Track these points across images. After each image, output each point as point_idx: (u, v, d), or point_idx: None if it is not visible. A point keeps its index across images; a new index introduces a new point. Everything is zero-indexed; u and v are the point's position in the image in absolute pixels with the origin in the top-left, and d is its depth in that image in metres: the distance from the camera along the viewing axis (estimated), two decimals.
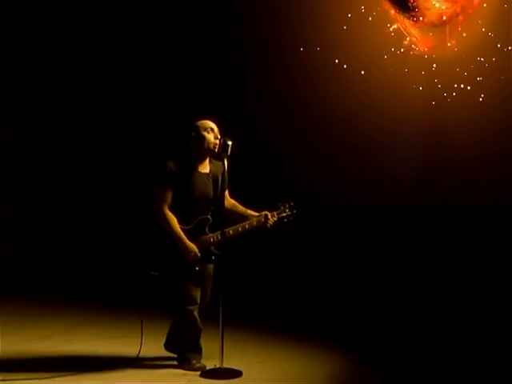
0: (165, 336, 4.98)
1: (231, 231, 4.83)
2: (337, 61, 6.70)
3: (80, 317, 6.54)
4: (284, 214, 5.01)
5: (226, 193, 4.98)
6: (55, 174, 8.93)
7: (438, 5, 6.01)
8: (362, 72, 6.54)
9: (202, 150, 4.79)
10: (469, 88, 6.18)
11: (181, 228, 4.71)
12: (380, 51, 6.51)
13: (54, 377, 4.56)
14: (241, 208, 5.04)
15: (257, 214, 4.96)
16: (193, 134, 4.77)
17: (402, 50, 6.42)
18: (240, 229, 4.88)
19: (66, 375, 4.60)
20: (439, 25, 6.06)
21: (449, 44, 6.13)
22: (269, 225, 4.93)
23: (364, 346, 5.58)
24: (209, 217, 4.85)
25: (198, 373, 4.71)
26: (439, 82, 6.31)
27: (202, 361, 4.85)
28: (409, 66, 6.44)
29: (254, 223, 4.92)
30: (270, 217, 4.94)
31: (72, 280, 8.05)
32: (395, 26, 6.38)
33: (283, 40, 7.00)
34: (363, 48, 6.53)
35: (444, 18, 6.11)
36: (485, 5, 6.02)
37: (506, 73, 5.97)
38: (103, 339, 5.65)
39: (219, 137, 4.79)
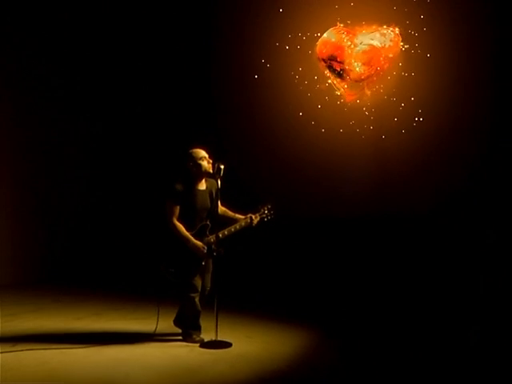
0: (171, 317, 6.30)
1: (226, 232, 6.13)
2: (291, 108, 8.32)
3: (106, 303, 7.90)
4: (264, 215, 6.31)
5: (219, 202, 6.26)
6: (93, 180, 10.05)
7: (358, 69, 7.74)
8: (314, 119, 8.24)
9: (199, 173, 6.10)
10: (395, 119, 7.76)
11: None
12: (318, 100, 8.13)
13: (86, 347, 5.87)
14: (231, 213, 6.34)
15: (243, 216, 6.26)
16: (191, 163, 6.07)
17: (340, 100, 8.08)
18: (233, 229, 6.18)
19: (96, 346, 5.91)
20: (359, 81, 7.80)
21: (367, 93, 7.75)
22: (254, 224, 6.24)
23: (326, 323, 7.04)
24: (208, 223, 6.15)
25: (198, 344, 6.02)
26: (364, 120, 7.89)
27: (200, 335, 6.15)
28: (340, 110, 8.07)
29: (243, 224, 6.22)
30: (254, 218, 6.24)
31: (100, 273, 9.46)
32: (329, 82, 8.01)
33: (251, 96, 8.64)
34: (309, 97, 8.18)
35: (362, 77, 7.82)
36: (394, 73, 7.68)
37: (415, 114, 7.62)
38: (126, 320, 7.00)
39: (211, 161, 6.09)
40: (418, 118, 7.61)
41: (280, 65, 8.40)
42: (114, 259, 9.53)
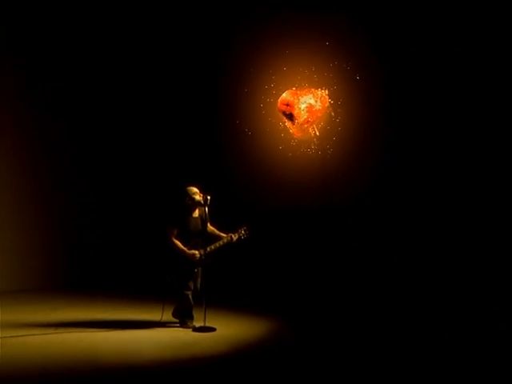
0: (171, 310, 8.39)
1: (212, 247, 8.23)
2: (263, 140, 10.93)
3: (122, 300, 10.01)
4: (241, 234, 8.40)
5: (208, 224, 8.34)
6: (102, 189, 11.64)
7: (305, 116, 10.49)
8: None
9: (193, 205, 8.20)
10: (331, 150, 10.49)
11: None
12: (276, 138, 10.83)
13: (108, 331, 8.01)
14: (217, 232, 8.40)
15: (225, 235, 8.35)
16: (187, 198, 8.17)
17: (292, 136, 10.76)
18: (217, 245, 8.28)
19: (115, 330, 8.05)
20: (305, 124, 10.52)
21: (311, 132, 10.55)
22: (233, 241, 8.34)
23: (286, 314, 9.19)
24: (199, 240, 8.22)
25: (191, 329, 8.12)
26: (307, 146, 10.66)
27: (193, 323, 8.23)
28: (291, 142, 10.76)
29: (225, 241, 8.32)
30: (233, 236, 8.36)
31: (114, 277, 11.43)
32: (283, 124, 10.71)
33: (233, 135, 11.16)
34: (273, 134, 10.85)
35: (305, 122, 10.58)
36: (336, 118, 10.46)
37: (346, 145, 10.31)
38: (138, 313, 9.06)
39: (201, 194, 8.22)
40: (340, 142, 10.45)
41: (256, 112, 10.93)
42: (125, 265, 11.46)
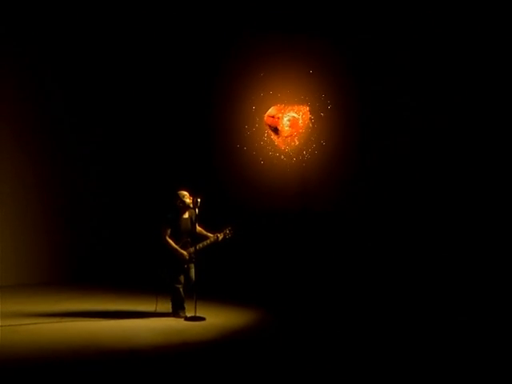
0: (168, 302, 9.18)
1: (201, 245, 9.11)
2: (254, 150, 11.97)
3: (120, 293, 10.89)
4: (226, 234, 9.28)
5: (197, 225, 9.18)
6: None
7: (287, 129, 11.57)
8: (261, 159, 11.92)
9: (184, 207, 9.08)
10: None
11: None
12: (263, 149, 11.89)
13: (109, 319, 8.88)
14: (204, 232, 9.25)
15: (212, 235, 9.22)
16: (178, 200, 9.07)
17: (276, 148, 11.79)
18: (205, 243, 9.15)
19: (115, 319, 8.90)
20: (288, 137, 11.59)
21: (293, 144, 11.59)
22: (219, 240, 9.22)
23: (268, 305, 10.11)
24: (189, 239, 9.12)
25: (183, 318, 8.97)
26: (290, 156, 11.68)
27: (185, 313, 9.07)
28: (277, 152, 11.79)
29: (212, 240, 9.19)
30: (219, 236, 9.24)
31: (115, 272, 12.29)
32: (269, 137, 11.79)
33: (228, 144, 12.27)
34: (258, 147, 11.92)
35: (289, 135, 11.64)
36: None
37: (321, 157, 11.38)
38: (135, 304, 9.92)
39: (191, 198, 9.06)
40: (319, 150, 11.48)
41: (248, 126, 12.12)
42: (122, 261, 12.27)
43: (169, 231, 9.04)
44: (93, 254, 12.47)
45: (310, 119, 11.53)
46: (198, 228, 9.23)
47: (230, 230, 9.35)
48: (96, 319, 9.01)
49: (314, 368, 6.86)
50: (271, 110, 11.74)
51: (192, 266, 9.23)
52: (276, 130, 11.67)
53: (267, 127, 11.76)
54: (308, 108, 11.53)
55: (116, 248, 12.42)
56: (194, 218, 9.16)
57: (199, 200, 9.06)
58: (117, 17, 12.31)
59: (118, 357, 7.26)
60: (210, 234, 9.29)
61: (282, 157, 11.65)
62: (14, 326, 8.39)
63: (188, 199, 9.12)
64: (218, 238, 9.25)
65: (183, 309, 9.18)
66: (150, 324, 8.83)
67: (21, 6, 11.56)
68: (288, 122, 11.62)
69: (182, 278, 9.13)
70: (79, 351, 7.42)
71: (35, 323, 8.63)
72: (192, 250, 9.09)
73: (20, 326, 8.41)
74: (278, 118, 11.65)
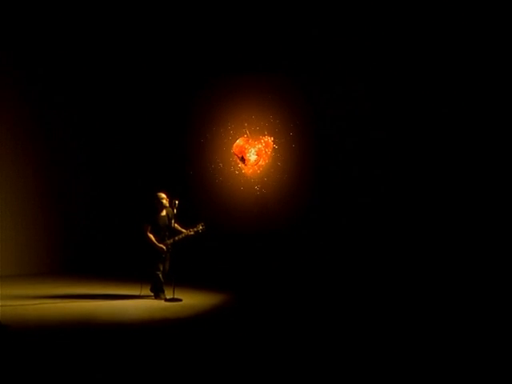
0: (148, 287, 10.80)
1: (177, 238, 10.73)
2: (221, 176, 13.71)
3: (110, 280, 12.45)
4: (199, 229, 10.87)
5: (173, 222, 10.79)
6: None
7: (253, 157, 13.26)
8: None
9: (161, 207, 10.71)
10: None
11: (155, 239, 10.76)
12: (232, 176, 13.64)
13: (100, 300, 10.46)
14: (180, 228, 10.86)
15: (186, 230, 10.80)
16: (156, 201, 10.67)
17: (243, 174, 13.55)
18: (181, 236, 10.76)
19: (106, 300, 10.49)
20: (255, 164, 13.29)
21: (257, 170, 13.30)
22: (192, 234, 10.86)
23: (237, 289, 11.77)
24: (167, 233, 10.75)
25: (163, 300, 10.55)
26: (254, 181, 13.31)
27: (165, 295, 10.65)
28: (244, 179, 13.55)
29: (187, 233, 10.80)
30: (191, 230, 10.84)
31: (104, 262, 13.78)
32: (239, 165, 13.49)
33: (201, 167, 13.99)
34: (228, 173, 13.71)
35: (254, 163, 13.37)
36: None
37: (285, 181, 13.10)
38: (122, 289, 11.44)
39: (168, 199, 10.67)
40: (282, 177, 13.17)
41: (218, 155, 13.89)
42: (111, 253, 13.69)
43: (149, 228, 10.67)
44: (85, 247, 13.90)
45: (274, 148, 13.14)
46: (175, 225, 10.84)
47: (202, 226, 10.93)
48: (91, 300, 10.59)
49: (273, 340, 8.14)
50: (239, 141, 13.44)
51: (168, 256, 10.83)
52: (243, 160, 13.32)
53: (236, 155, 13.40)
54: (271, 138, 13.21)
55: (105, 242, 13.94)
56: (170, 216, 10.78)
57: (177, 202, 10.68)
58: (99, 36, 13.85)
59: (111, 329, 8.79)
60: (184, 230, 10.88)
61: (249, 181, 13.36)
62: (23, 305, 10.03)
63: (165, 200, 10.76)
64: (191, 232, 10.85)
65: (163, 291, 10.75)
66: (135, 304, 10.41)
67: (19, 12, 12.41)
68: (253, 151, 13.29)
69: (160, 266, 10.74)
70: (74, 326, 8.84)
71: (40, 303, 10.25)
72: (169, 241, 10.71)
73: (28, 306, 10.03)
74: (245, 148, 13.33)
